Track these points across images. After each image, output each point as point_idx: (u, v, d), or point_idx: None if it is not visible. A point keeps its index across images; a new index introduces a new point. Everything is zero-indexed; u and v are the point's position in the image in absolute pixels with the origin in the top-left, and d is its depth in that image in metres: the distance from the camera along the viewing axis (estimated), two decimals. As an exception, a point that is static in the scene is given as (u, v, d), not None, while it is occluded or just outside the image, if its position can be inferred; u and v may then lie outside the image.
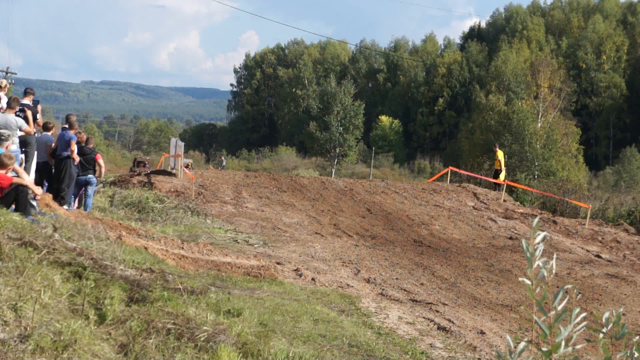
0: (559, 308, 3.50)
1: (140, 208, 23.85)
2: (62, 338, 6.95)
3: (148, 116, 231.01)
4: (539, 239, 3.53)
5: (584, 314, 3.50)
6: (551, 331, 3.48)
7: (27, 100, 19.02)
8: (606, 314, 3.58)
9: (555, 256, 3.54)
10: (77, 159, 20.53)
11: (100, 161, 22.12)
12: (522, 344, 3.56)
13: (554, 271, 3.52)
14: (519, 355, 3.56)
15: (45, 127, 20.84)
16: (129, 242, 14.26)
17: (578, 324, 3.50)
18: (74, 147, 20.33)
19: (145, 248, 14.49)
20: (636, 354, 3.56)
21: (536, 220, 3.59)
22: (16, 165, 14.76)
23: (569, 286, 3.41)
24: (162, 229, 20.09)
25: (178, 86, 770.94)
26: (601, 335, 3.57)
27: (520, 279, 3.52)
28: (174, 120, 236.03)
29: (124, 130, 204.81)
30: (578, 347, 3.51)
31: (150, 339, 7.65)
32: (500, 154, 38.05)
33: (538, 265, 3.57)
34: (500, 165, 37.61)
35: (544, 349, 3.49)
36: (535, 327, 3.53)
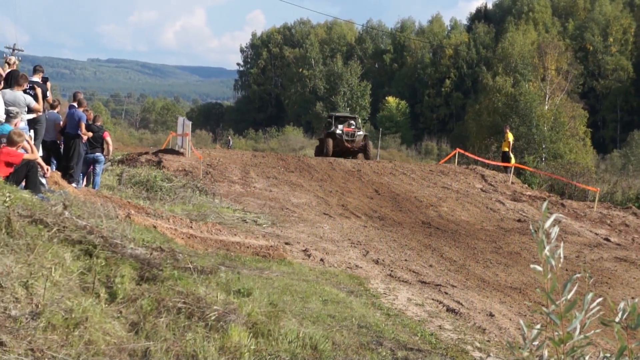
0: (569, 297, 3.45)
1: (148, 187, 23.84)
2: (73, 316, 6.92)
3: (155, 95, 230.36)
4: (548, 222, 3.48)
5: (598, 300, 3.45)
6: (562, 320, 3.43)
7: (36, 78, 18.92)
8: (621, 304, 3.52)
9: (562, 244, 3.47)
10: (86, 135, 20.49)
11: (108, 139, 22.08)
12: (535, 331, 3.51)
13: (561, 260, 3.46)
14: (532, 341, 3.51)
15: (51, 106, 20.79)
16: (137, 221, 14.23)
17: (591, 309, 3.45)
18: (84, 127, 20.29)
19: (154, 227, 14.47)
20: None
21: (545, 204, 3.55)
22: (27, 142, 14.72)
23: (578, 275, 3.35)
24: (170, 207, 20.07)
25: (184, 65, 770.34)
26: (616, 323, 3.52)
27: (531, 265, 3.46)
28: (180, 99, 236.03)
29: (130, 109, 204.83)
30: (590, 333, 3.47)
31: (161, 317, 7.62)
32: (510, 136, 37.92)
33: (550, 248, 3.52)
34: (509, 147, 37.50)
35: (556, 337, 3.45)
36: (546, 315, 3.48)
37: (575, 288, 3.42)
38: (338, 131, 39.77)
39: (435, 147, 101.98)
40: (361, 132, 40.51)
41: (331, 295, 11.83)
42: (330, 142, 39.51)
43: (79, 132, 20.12)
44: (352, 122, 42.29)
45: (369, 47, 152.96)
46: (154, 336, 7.26)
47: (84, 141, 20.51)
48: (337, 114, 44.60)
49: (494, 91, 78.98)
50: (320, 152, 41.61)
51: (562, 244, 3.45)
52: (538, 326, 3.50)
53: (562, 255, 3.45)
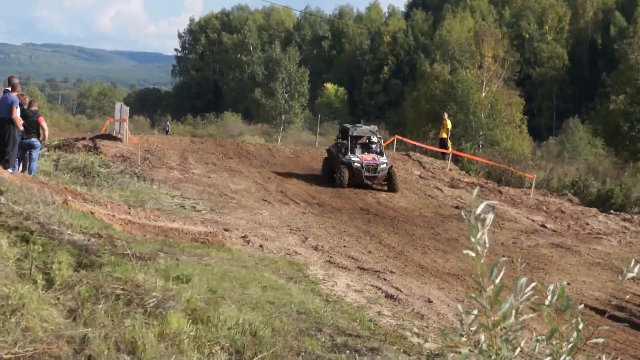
0: (497, 281, 3.49)
1: (85, 172, 23.61)
2: (9, 302, 6.84)
3: (91, 80, 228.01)
4: (479, 209, 3.50)
5: (531, 285, 3.49)
6: (492, 305, 3.47)
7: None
8: (551, 287, 3.57)
9: (486, 230, 3.50)
10: (20, 122, 20.17)
11: (43, 124, 21.75)
12: (471, 317, 3.55)
13: (486, 246, 3.49)
14: (469, 327, 3.54)
15: (-18, 90, 20.42)
16: (75, 207, 14.07)
17: (523, 294, 3.49)
18: (16, 112, 19.95)
19: (92, 213, 14.32)
20: (581, 324, 3.57)
21: (476, 190, 3.56)
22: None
23: (505, 259, 3.39)
24: (108, 194, 19.88)
25: (122, 50, 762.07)
26: (545, 307, 3.57)
27: (464, 251, 3.49)
28: (117, 85, 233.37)
29: (67, 94, 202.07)
30: (522, 318, 3.51)
31: (99, 304, 7.55)
32: (448, 123, 38.21)
33: (479, 235, 3.54)
34: (447, 134, 37.78)
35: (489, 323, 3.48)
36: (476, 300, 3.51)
37: (502, 273, 3.45)
38: (356, 163, 29.16)
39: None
40: (384, 162, 29.54)
41: (270, 281, 11.84)
42: (346, 173, 28.97)
43: (12, 116, 19.80)
44: (373, 141, 31.15)
45: (307, 34, 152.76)
46: (92, 323, 7.19)
47: (19, 127, 20.19)
48: (354, 131, 31.39)
49: (432, 78, 79.27)
50: (328, 174, 30.49)
51: (485, 230, 3.47)
52: (475, 312, 3.52)
53: (486, 241, 3.47)
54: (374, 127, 33.60)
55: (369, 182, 29.14)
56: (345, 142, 30.55)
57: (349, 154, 29.75)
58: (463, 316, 3.55)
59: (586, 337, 3.56)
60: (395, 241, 19.84)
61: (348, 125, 32.75)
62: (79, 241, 9.35)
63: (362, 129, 32.16)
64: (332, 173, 29.89)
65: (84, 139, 33.92)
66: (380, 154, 30.34)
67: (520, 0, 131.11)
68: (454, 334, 3.55)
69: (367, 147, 30.86)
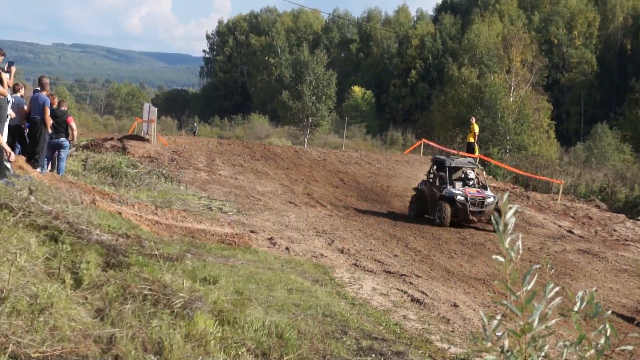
0: (529, 288, 3.48)
1: (113, 173, 23.72)
2: (38, 301, 6.89)
3: (120, 80, 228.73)
4: (509, 214, 3.49)
5: (556, 289, 3.48)
6: (523, 311, 3.46)
7: (-2, 62, 18.69)
8: (579, 293, 3.56)
9: (520, 236, 3.48)
10: (49, 123, 20.30)
11: (72, 124, 21.89)
12: (495, 322, 3.54)
13: (520, 252, 3.47)
14: (493, 332, 3.54)
15: (13, 89, 20.55)
16: (102, 207, 14.15)
17: (552, 299, 3.49)
18: (48, 112, 20.10)
19: (119, 213, 14.40)
20: (610, 331, 3.55)
21: (506, 195, 3.55)
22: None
23: (538, 265, 3.38)
24: (135, 194, 19.97)
25: (150, 51, 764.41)
26: (574, 313, 3.55)
27: (493, 256, 3.48)
28: (146, 85, 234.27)
29: (95, 94, 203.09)
30: (551, 322, 3.50)
31: (127, 304, 7.59)
32: (476, 127, 37.94)
33: (510, 240, 3.53)
34: (474, 138, 37.63)
35: (517, 328, 3.48)
36: (507, 306, 3.50)
37: (534, 279, 3.44)
38: (459, 197, 24.94)
39: (400, 138, 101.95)
40: (491, 195, 25.44)
41: (296, 283, 11.85)
42: (448, 209, 24.72)
43: (44, 117, 19.95)
44: (471, 175, 26.71)
45: (335, 37, 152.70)
46: (120, 323, 7.23)
47: (48, 127, 20.32)
48: (452, 163, 27.12)
49: (460, 82, 79.27)
50: (418, 211, 26.30)
51: (519, 235, 3.46)
52: (499, 317, 3.52)
53: (520, 247, 3.46)
54: (472, 160, 30.04)
55: (474, 219, 24.78)
56: (442, 174, 26.15)
57: (449, 186, 25.58)
58: (486, 321, 3.55)
59: (614, 345, 3.55)
60: (422, 245, 19.82)
61: (442, 157, 28.72)
62: (107, 241, 9.39)
63: (460, 161, 27.96)
64: (423, 212, 26.05)
65: (112, 139, 34.09)
66: (484, 187, 26.19)
67: (549, 5, 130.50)
68: (483, 339, 3.55)
69: (465, 181, 26.40)
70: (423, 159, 37.19)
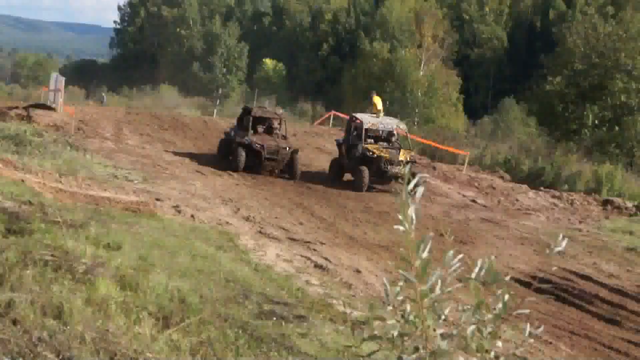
0: (424, 255, 3.59)
1: (17, 141, 23.32)
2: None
3: (28, 50, 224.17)
4: (412, 184, 3.61)
5: (460, 256, 3.61)
6: (420, 278, 3.57)
7: None
8: (478, 261, 3.70)
9: (417, 206, 3.60)
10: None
11: (-24, 92, 21.54)
12: (397, 288, 3.65)
13: (414, 222, 3.59)
14: (395, 297, 3.65)
15: None
16: (5, 175, 14.02)
17: (451, 267, 3.61)
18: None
19: (23, 181, 14.26)
20: (507, 296, 3.69)
21: (408, 166, 3.68)
22: None
23: (432, 234, 3.51)
24: (39, 162, 19.72)
25: (60, 21, 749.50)
26: (472, 279, 3.69)
27: (395, 226, 3.60)
28: (54, 55, 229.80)
29: (1, 63, 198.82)
30: (448, 289, 3.62)
31: (27, 270, 7.58)
32: (378, 101, 37.16)
33: (410, 210, 3.64)
34: (376, 111, 37.44)
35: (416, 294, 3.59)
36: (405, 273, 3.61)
37: (429, 247, 3.56)
38: (256, 145, 25.76)
39: (310, 109, 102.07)
40: (287, 146, 26.26)
41: (200, 250, 11.91)
42: (243, 155, 25.51)
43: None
44: (275, 125, 27.85)
45: (248, 10, 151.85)
46: (19, 288, 7.21)
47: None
48: (258, 112, 28.19)
49: (371, 56, 79.64)
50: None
51: (415, 207, 3.58)
52: (401, 283, 3.64)
53: (414, 218, 3.58)
54: (280, 111, 31.31)
55: (269, 166, 25.61)
56: (245, 122, 27.23)
57: (250, 134, 26.37)
58: (388, 287, 3.65)
59: (511, 309, 3.69)
60: (327, 213, 20.01)
61: (249, 107, 29.48)
62: (10, 208, 9.36)
63: (267, 111, 29.35)
64: (228, 155, 26.84)
65: (17, 107, 33.51)
66: (284, 138, 27.08)
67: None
68: (381, 305, 3.67)
69: (269, 132, 27.35)
70: (332, 130, 37.36)
